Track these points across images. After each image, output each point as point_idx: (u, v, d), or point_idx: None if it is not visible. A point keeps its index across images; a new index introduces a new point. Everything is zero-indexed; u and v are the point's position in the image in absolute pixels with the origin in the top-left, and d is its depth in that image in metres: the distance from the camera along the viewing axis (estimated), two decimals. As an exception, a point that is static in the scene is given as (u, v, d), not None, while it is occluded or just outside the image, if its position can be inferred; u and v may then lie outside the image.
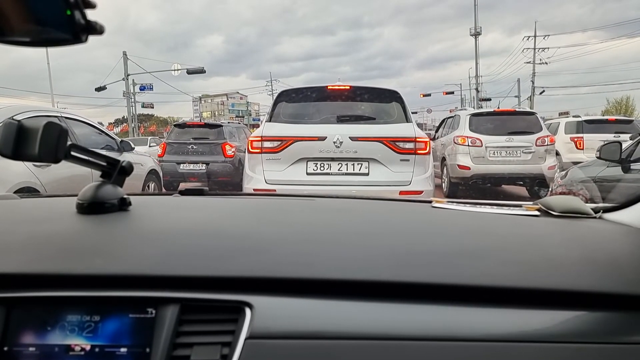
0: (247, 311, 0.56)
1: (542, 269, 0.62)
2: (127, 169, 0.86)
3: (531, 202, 1.03)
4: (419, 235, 0.76)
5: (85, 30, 0.54)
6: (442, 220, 0.90)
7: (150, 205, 0.97)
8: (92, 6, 0.53)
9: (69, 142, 0.74)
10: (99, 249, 0.66)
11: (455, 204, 1.03)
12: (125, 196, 0.86)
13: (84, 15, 0.53)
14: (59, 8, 0.52)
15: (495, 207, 1.00)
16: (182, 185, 10.28)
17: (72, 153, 0.77)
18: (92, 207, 0.81)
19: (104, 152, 5.67)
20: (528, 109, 10.29)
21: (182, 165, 9.22)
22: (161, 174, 7.37)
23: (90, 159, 0.84)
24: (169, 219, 0.86)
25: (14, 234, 0.73)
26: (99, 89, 27.55)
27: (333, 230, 0.78)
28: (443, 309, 0.57)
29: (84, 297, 0.58)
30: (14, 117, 4.36)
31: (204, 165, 9.20)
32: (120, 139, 6.47)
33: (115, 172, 0.86)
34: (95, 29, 0.54)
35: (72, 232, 0.75)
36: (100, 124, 6.42)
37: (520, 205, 1.01)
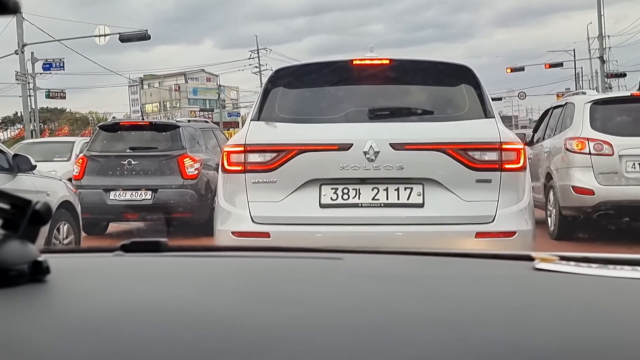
0: None
1: None
2: (43, 215, 0.89)
3: None
4: (516, 321, 0.78)
5: None
6: (553, 293, 0.91)
7: (78, 272, 0.99)
8: None
9: None
10: (3, 346, 0.69)
11: (573, 263, 1.04)
12: (41, 258, 0.89)
13: None
14: None
15: None
16: (114, 227, 10.39)
17: None
18: None
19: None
20: (689, 91, 10.19)
21: (112, 193, 9.34)
22: (79, 209, 7.46)
23: None
24: (110, 295, 0.89)
25: None
26: (-24, 69, 28.11)
27: (378, 313, 0.80)
28: None
29: None
30: None
31: (149, 192, 9.30)
32: (12, 153, 6.60)
33: (25, 219, 0.89)
34: (6, 5, 0.59)
35: None
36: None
37: None
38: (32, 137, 31.30)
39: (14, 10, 0.58)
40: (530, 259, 1.10)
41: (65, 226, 7.09)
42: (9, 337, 0.72)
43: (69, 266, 1.04)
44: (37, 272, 0.88)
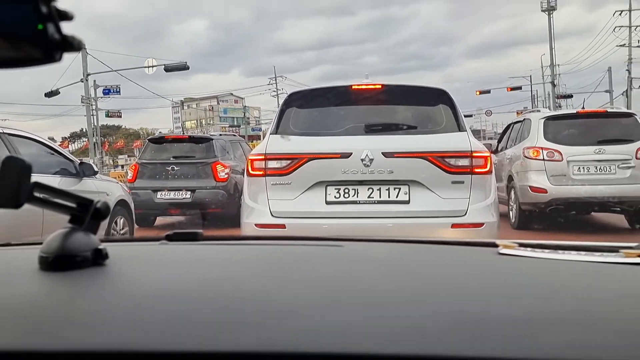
0: None
1: None
2: (103, 212, 0.90)
3: (634, 244, 1.04)
4: (484, 296, 0.77)
5: (59, 47, 0.58)
6: (514, 274, 0.91)
7: (131, 257, 1.00)
8: (69, 18, 0.57)
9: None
10: (70, 318, 0.69)
11: (529, 249, 1.04)
12: (101, 247, 0.90)
13: (59, 29, 0.57)
14: (28, 21, 0.55)
15: (583, 252, 1.00)
16: (160, 221, 10.43)
17: (36, 194, 0.81)
18: (60, 261, 0.85)
19: (57, 177, 5.86)
20: (624, 109, 10.18)
21: (159, 193, 9.39)
22: (132, 206, 7.49)
23: (57, 200, 0.88)
24: (157, 277, 0.89)
25: None
26: (49, 94, 28.23)
27: (371, 290, 0.80)
28: None
29: None
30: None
31: (189, 192, 9.35)
32: (79, 160, 6.63)
33: (89, 215, 0.90)
34: (72, 45, 0.58)
35: (34, 294, 0.79)
36: (52, 139, 6.61)
37: (616, 250, 1.01)
38: (94, 149, 31.51)
39: (78, 48, 0.58)
40: (495, 245, 1.10)
41: (121, 220, 7.11)
42: (77, 310, 0.73)
43: (124, 253, 1.05)
44: (98, 258, 0.90)
